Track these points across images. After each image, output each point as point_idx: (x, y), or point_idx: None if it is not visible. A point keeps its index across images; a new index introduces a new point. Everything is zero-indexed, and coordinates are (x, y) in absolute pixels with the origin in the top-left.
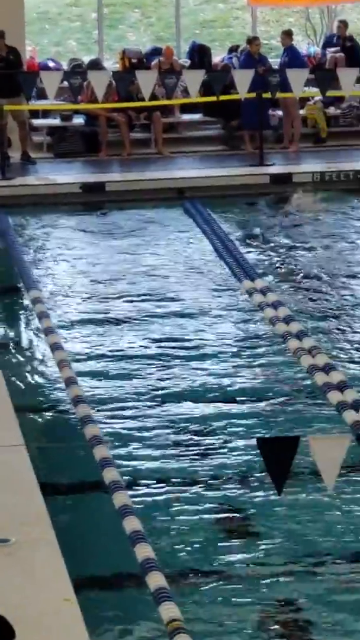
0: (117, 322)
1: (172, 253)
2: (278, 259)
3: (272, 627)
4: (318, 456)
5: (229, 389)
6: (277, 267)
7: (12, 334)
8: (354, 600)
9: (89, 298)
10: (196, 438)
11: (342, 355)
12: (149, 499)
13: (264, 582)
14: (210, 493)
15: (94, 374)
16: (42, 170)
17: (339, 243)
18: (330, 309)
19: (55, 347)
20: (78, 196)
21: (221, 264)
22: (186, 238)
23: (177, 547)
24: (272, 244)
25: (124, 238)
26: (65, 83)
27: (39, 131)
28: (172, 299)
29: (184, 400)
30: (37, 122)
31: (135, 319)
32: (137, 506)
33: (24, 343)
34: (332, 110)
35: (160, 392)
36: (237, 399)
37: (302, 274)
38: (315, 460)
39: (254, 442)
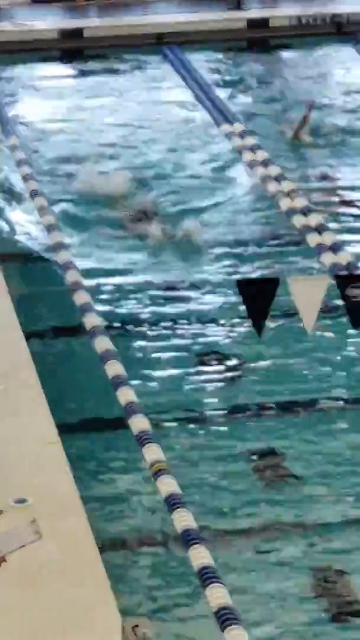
0: (96, 160)
1: (150, 98)
2: (256, 103)
3: (256, 471)
4: (297, 297)
5: (209, 232)
6: (255, 112)
7: None
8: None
9: (70, 142)
10: (177, 283)
11: (320, 199)
12: (131, 344)
13: (244, 425)
14: (191, 337)
15: (73, 220)
16: (19, 16)
17: (317, 86)
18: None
19: (34, 194)
20: (56, 42)
21: (200, 108)
22: (164, 83)
23: (158, 389)
24: (249, 89)
25: (102, 84)
26: None
27: None
28: (150, 146)
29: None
30: None
31: (113, 157)
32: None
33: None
34: None
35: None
36: (217, 241)
37: (280, 117)
38: (294, 301)
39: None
